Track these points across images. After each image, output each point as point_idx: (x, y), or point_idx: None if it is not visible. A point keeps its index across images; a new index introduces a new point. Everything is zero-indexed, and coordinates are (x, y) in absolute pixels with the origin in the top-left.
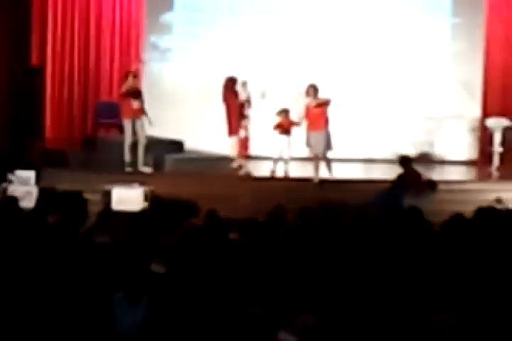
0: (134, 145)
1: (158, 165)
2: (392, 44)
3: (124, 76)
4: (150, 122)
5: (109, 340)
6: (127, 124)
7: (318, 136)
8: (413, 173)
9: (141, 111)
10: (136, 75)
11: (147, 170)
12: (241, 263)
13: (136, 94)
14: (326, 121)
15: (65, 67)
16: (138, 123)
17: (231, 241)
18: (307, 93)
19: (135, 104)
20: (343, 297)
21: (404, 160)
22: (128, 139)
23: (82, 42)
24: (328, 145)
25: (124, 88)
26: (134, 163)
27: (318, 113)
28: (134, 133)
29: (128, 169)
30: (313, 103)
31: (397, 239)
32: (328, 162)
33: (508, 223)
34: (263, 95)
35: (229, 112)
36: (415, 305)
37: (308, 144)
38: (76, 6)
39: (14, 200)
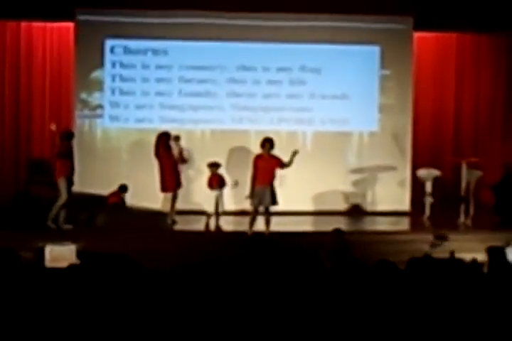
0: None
1: (89, 222)
2: (321, 95)
3: (60, 138)
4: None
5: None
6: (64, 183)
7: (264, 190)
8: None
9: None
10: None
11: (68, 227)
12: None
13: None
14: (274, 176)
15: None
16: (71, 181)
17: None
18: (262, 146)
19: (69, 163)
20: None
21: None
22: (64, 197)
23: (13, 100)
24: (274, 200)
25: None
26: (57, 219)
27: (268, 166)
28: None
29: (52, 225)
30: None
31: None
32: (269, 216)
33: (441, 272)
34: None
35: (162, 168)
36: None
37: (253, 197)
38: (7, 62)
39: None
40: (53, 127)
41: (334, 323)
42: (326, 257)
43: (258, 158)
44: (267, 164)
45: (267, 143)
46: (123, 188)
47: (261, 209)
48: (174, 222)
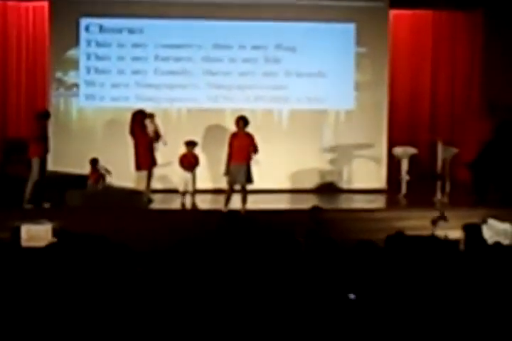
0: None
1: (65, 201)
2: (296, 73)
3: (35, 118)
4: None
5: None
6: (37, 163)
7: (239, 168)
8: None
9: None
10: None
11: (46, 205)
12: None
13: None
14: (249, 154)
15: None
16: (44, 161)
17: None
18: (236, 124)
19: (43, 144)
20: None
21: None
22: (35, 177)
23: None
24: (249, 178)
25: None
26: (33, 199)
27: (243, 144)
28: (41, 171)
29: (28, 206)
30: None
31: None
32: (245, 194)
33: (417, 250)
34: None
35: (137, 146)
36: None
37: (228, 174)
38: None
39: None
40: None
41: (308, 302)
42: (301, 235)
43: (233, 136)
44: (242, 142)
45: (241, 120)
46: (94, 161)
47: (237, 187)
48: (150, 201)
